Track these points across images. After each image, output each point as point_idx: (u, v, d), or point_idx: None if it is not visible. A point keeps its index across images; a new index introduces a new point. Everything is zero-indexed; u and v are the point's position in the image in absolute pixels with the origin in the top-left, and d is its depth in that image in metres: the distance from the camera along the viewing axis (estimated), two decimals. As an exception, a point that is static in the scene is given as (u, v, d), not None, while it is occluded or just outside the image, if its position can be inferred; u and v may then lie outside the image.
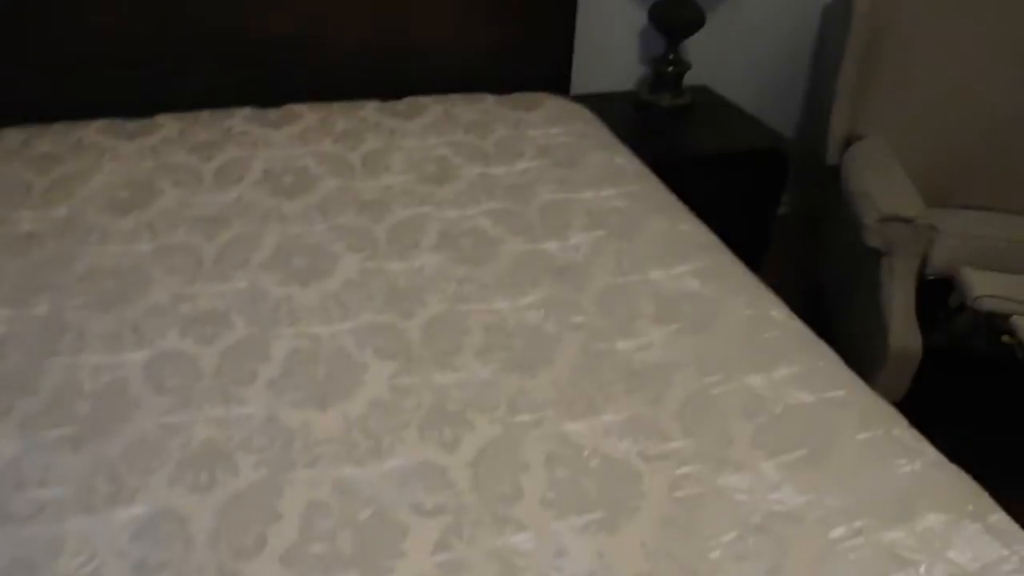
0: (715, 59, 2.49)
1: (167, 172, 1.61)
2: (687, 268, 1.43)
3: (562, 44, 2.14)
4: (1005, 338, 1.52)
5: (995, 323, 1.56)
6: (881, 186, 1.77)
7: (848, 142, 2.20)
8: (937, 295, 1.79)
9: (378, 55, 2.00)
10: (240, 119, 1.82)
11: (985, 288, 1.56)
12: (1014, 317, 1.50)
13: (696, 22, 2.14)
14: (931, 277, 1.76)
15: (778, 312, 1.35)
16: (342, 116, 1.87)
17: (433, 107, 1.94)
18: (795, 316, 1.36)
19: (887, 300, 1.76)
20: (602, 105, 2.27)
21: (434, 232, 1.50)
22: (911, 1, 2.18)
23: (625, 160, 1.80)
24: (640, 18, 2.31)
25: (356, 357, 1.19)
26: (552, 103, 2.02)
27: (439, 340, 1.23)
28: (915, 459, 1.08)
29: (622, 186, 1.68)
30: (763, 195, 2.22)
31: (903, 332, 1.72)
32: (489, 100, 2.01)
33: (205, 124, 1.78)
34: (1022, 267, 1.71)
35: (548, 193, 1.64)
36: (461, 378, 1.17)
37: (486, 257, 1.44)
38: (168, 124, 1.78)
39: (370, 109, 1.91)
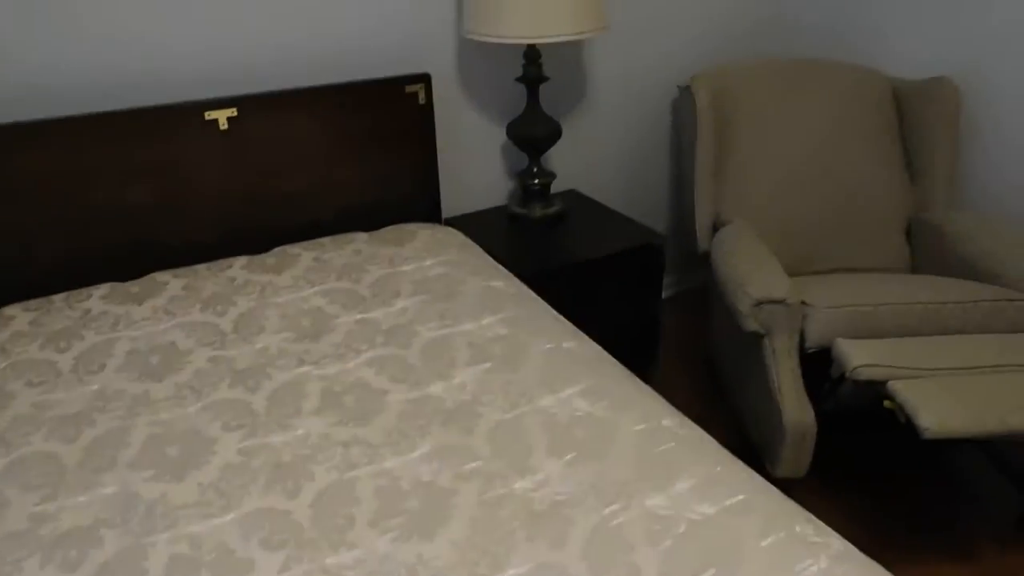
0: (581, 162, 2.58)
1: (13, 372, 1.51)
2: (575, 389, 1.42)
3: (427, 172, 2.18)
4: (886, 403, 1.57)
5: (875, 390, 1.61)
6: (749, 271, 1.84)
7: (716, 227, 2.30)
8: (824, 362, 1.84)
9: (244, 208, 1.98)
10: (98, 299, 1.74)
11: (860, 358, 1.62)
12: (890, 383, 1.56)
13: (553, 135, 2.22)
14: (811, 350, 1.81)
15: (670, 420, 1.36)
16: (209, 279, 1.82)
17: (304, 255, 1.92)
18: (687, 421, 1.37)
19: (774, 379, 1.80)
20: (476, 224, 2.30)
21: (315, 393, 1.45)
22: (747, 91, 2.35)
23: (502, 282, 1.81)
24: (501, 135, 2.38)
25: (241, 553, 1.11)
26: (424, 233, 2.03)
27: (330, 517, 1.17)
28: (819, 555, 1.08)
29: (502, 311, 1.68)
30: (644, 289, 2.27)
31: (794, 409, 1.76)
32: (360, 239, 2.01)
33: (58, 310, 1.69)
34: (894, 329, 1.79)
35: (429, 331, 1.62)
36: (356, 556, 1.10)
37: (372, 412, 1.39)
38: (17, 315, 1.68)
39: (238, 267, 1.87)
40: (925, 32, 2.48)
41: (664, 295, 3.00)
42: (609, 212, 2.38)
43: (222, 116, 1.85)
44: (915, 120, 2.38)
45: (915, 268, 2.32)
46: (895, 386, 1.54)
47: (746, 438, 2.07)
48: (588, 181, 2.62)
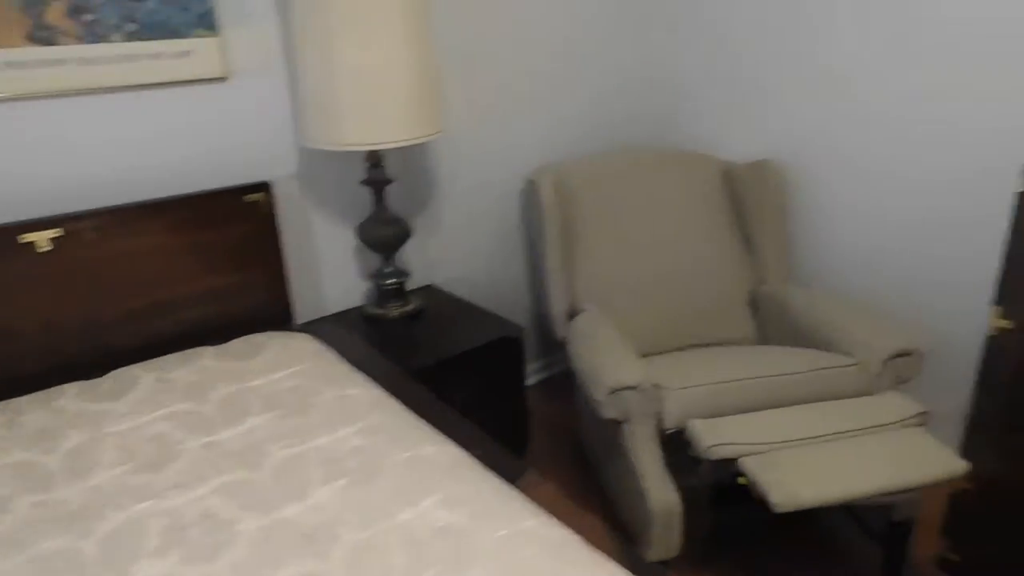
0: (438, 257, 2.60)
1: None
2: (435, 499, 1.39)
3: (275, 280, 2.12)
4: (740, 480, 1.62)
5: (730, 467, 1.67)
6: (603, 359, 1.89)
7: (572, 313, 2.35)
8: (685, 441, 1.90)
9: (77, 332, 1.85)
10: (-98, 447, 1.56)
11: (712, 438, 1.68)
12: (741, 460, 1.62)
13: (402, 235, 2.23)
14: (669, 431, 1.86)
15: (533, 522, 1.35)
16: (35, 411, 1.68)
17: (144, 377, 1.81)
18: (551, 521, 1.36)
19: (636, 464, 1.83)
20: (333, 328, 2.25)
21: (156, 532, 1.34)
22: (591, 181, 2.46)
23: (359, 390, 1.77)
24: (352, 236, 2.36)
25: None
26: (276, 343, 1.97)
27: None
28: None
29: (358, 421, 1.63)
30: (507, 380, 2.28)
31: (658, 492, 1.79)
32: (207, 354, 1.92)
33: None
34: (745, 403, 1.87)
35: (281, 450, 1.55)
36: None
37: (222, 546, 1.30)
38: None
39: (69, 396, 1.73)
40: (752, 120, 2.71)
41: (537, 379, 3.03)
42: (467, 306, 2.40)
43: (42, 238, 1.74)
44: (747, 200, 2.56)
45: (762, 338, 2.46)
46: (746, 463, 1.60)
47: (621, 521, 2.08)
48: (446, 276, 2.64)
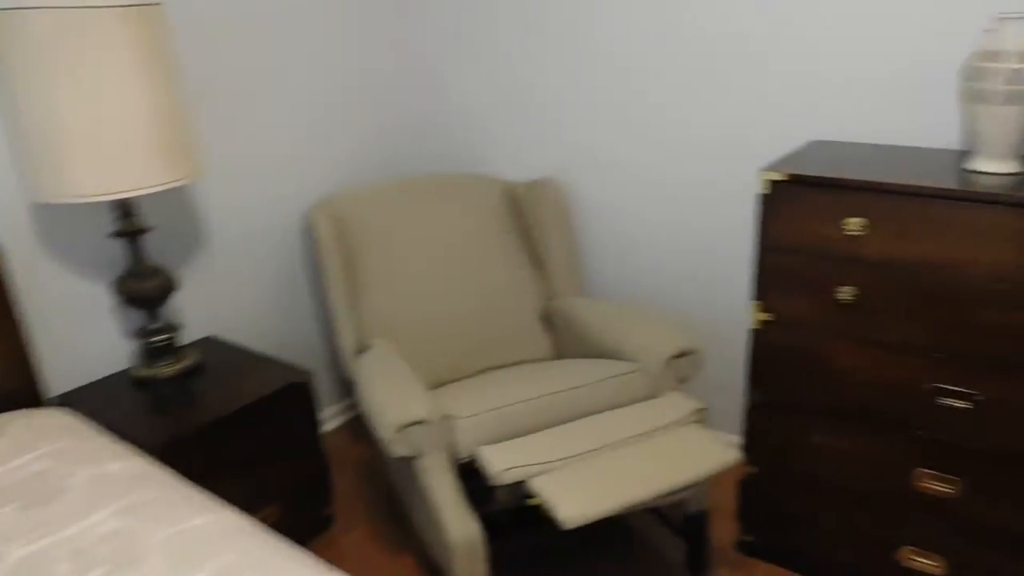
0: (215, 305, 2.43)
1: None
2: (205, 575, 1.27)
3: (14, 352, 1.89)
4: (530, 501, 1.62)
5: (523, 489, 1.67)
6: (388, 396, 1.83)
7: (362, 351, 2.28)
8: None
9: None
10: None
11: (502, 462, 1.66)
12: (530, 481, 1.62)
13: (165, 287, 2.05)
14: (464, 461, 1.83)
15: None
16: None
17: None
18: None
19: (433, 498, 1.79)
20: (95, 397, 2.04)
21: None
22: (375, 212, 2.40)
23: (120, 464, 1.60)
24: (109, 294, 2.16)
25: None
26: (18, 424, 1.74)
27: None
28: None
29: (118, 501, 1.47)
30: (300, 428, 2.17)
31: (458, 525, 1.75)
32: (-68, 447, 1.66)
33: None
34: (535, 423, 1.88)
35: (19, 549, 1.35)
36: None
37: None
38: None
39: None
40: (535, 140, 2.77)
41: (342, 421, 2.92)
42: (250, 355, 2.26)
43: None
44: (531, 218, 2.61)
45: (558, 353, 2.51)
46: (534, 484, 1.60)
47: (432, 559, 2.03)
48: (227, 325, 2.48)
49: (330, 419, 2.90)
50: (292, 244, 2.63)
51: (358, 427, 2.90)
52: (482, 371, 2.38)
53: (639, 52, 2.43)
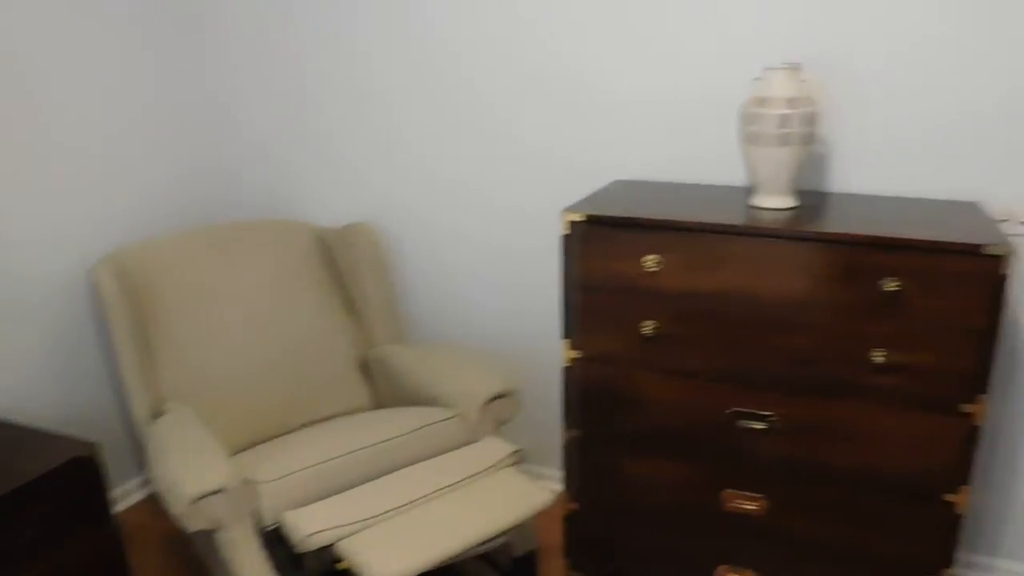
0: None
1: None
2: None
3: None
4: (338, 565, 1.53)
5: (333, 553, 1.58)
6: (183, 464, 1.68)
7: (158, 416, 2.10)
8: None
9: None
10: None
11: (308, 526, 1.57)
12: (338, 544, 1.53)
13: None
14: (271, 528, 1.71)
15: None
16: None
17: None
18: None
19: (239, 573, 1.65)
20: None
21: None
22: (172, 265, 2.23)
23: None
24: None
25: None
26: None
27: None
28: None
29: None
30: (87, 506, 1.94)
31: (265, 599, 1.63)
32: None
33: None
34: (348, 480, 1.79)
35: None
36: None
37: None
38: None
39: None
40: (343, 184, 2.70)
41: (145, 493, 2.67)
42: (25, 431, 2.01)
43: None
44: (345, 264, 2.53)
45: (378, 403, 2.42)
46: (342, 547, 1.51)
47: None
48: (1, 401, 2.21)
49: (132, 493, 2.65)
50: (78, 305, 2.40)
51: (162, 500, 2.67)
52: (296, 428, 2.26)
53: (439, 98, 2.44)
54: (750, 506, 1.92)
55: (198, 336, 2.17)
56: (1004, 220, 1.97)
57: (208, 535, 1.72)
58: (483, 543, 1.63)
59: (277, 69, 2.65)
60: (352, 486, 1.77)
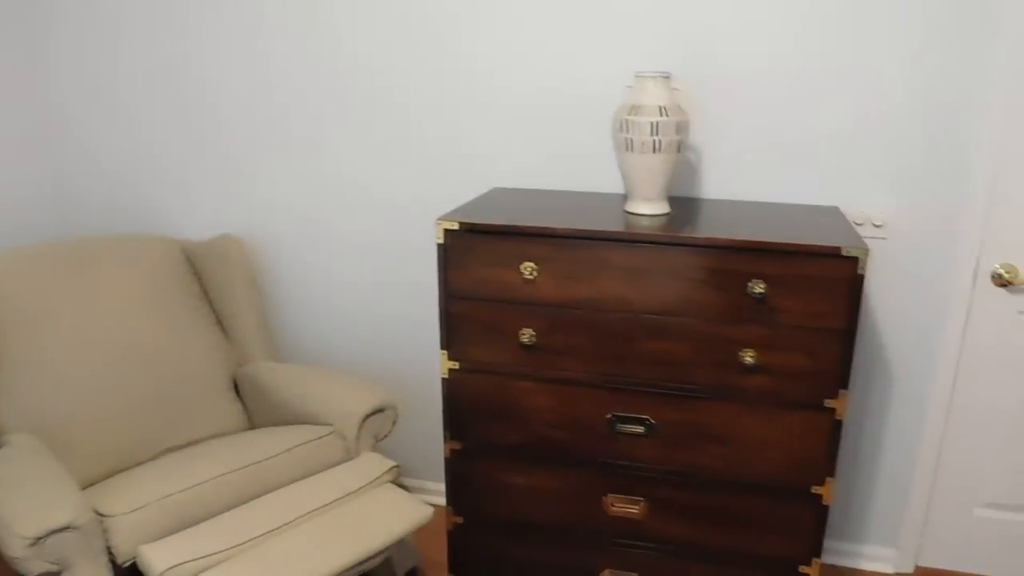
0: None
1: None
2: None
3: None
4: (203, 602, 1.43)
5: (195, 587, 1.47)
6: (19, 503, 1.52)
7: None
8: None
9: None
10: None
11: (165, 560, 1.45)
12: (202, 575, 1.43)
13: None
14: (126, 564, 1.58)
15: None
16: None
17: None
18: None
19: (90, 615, 1.51)
20: None
21: None
22: (17, 286, 2.04)
23: None
24: None
25: None
26: None
27: None
28: None
29: None
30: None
31: (119, 643, 1.50)
32: None
33: None
34: (211, 509, 1.67)
35: None
36: None
37: None
38: None
39: None
40: (208, 196, 2.55)
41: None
42: None
43: None
44: (212, 278, 2.39)
45: (252, 423, 2.30)
46: (205, 580, 1.41)
47: None
48: None
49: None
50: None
51: None
52: (160, 454, 2.10)
53: (317, 107, 2.35)
54: (632, 510, 1.93)
55: (48, 361, 1.99)
56: (860, 224, 2.07)
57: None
58: (360, 563, 1.56)
59: (123, 81, 2.48)
60: (218, 513, 1.66)
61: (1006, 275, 2.04)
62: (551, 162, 2.22)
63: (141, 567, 1.50)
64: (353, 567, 1.53)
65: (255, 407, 2.26)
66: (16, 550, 1.44)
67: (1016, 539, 2.27)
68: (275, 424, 2.17)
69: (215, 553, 1.48)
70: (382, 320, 2.51)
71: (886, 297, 2.12)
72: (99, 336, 2.09)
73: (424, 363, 2.52)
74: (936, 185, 2.00)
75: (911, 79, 1.94)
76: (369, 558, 1.58)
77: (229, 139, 2.46)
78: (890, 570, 2.35)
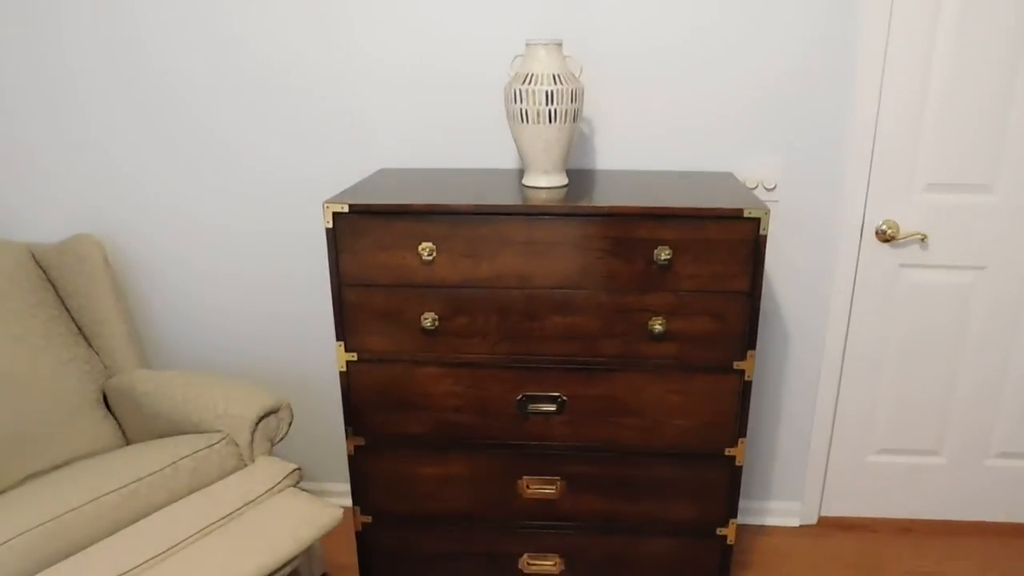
0: None
1: None
2: None
3: None
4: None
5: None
6: None
7: None
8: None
9: None
10: None
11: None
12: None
13: None
14: (-10, 611, 1.38)
15: None
16: None
17: None
18: None
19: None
20: None
21: None
22: None
23: None
24: None
25: None
26: None
27: None
28: None
29: None
30: None
31: None
32: None
33: None
34: (85, 538, 1.49)
35: None
36: None
37: None
38: None
39: None
40: (64, 192, 2.29)
41: None
42: None
43: None
44: (70, 285, 2.15)
45: (128, 439, 2.09)
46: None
47: None
48: None
49: None
50: None
51: None
52: (21, 482, 1.87)
53: (188, 88, 2.15)
54: (548, 490, 1.88)
55: None
56: (754, 187, 2.09)
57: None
58: (265, 581, 1.43)
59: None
60: (96, 541, 1.48)
61: (888, 231, 2.12)
62: (443, 139, 2.12)
63: (7, 613, 1.31)
64: (258, 583, 1.40)
65: (131, 421, 2.05)
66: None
67: (903, 479, 2.38)
68: (156, 437, 1.98)
69: (95, 587, 1.31)
70: (272, 316, 2.35)
71: (780, 258, 2.15)
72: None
73: (319, 358, 2.38)
74: (821, 149, 2.05)
75: (792, 47, 1.97)
76: (278, 569, 1.45)
77: (89, 126, 2.21)
78: (796, 523, 2.42)
